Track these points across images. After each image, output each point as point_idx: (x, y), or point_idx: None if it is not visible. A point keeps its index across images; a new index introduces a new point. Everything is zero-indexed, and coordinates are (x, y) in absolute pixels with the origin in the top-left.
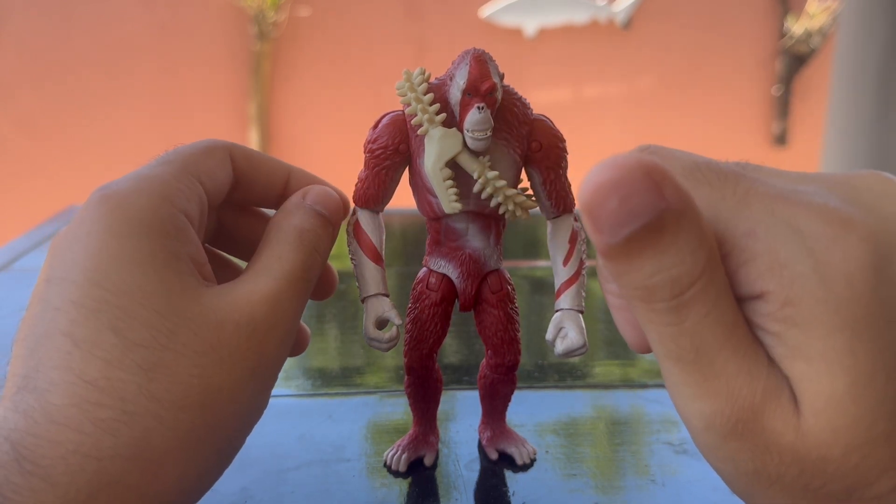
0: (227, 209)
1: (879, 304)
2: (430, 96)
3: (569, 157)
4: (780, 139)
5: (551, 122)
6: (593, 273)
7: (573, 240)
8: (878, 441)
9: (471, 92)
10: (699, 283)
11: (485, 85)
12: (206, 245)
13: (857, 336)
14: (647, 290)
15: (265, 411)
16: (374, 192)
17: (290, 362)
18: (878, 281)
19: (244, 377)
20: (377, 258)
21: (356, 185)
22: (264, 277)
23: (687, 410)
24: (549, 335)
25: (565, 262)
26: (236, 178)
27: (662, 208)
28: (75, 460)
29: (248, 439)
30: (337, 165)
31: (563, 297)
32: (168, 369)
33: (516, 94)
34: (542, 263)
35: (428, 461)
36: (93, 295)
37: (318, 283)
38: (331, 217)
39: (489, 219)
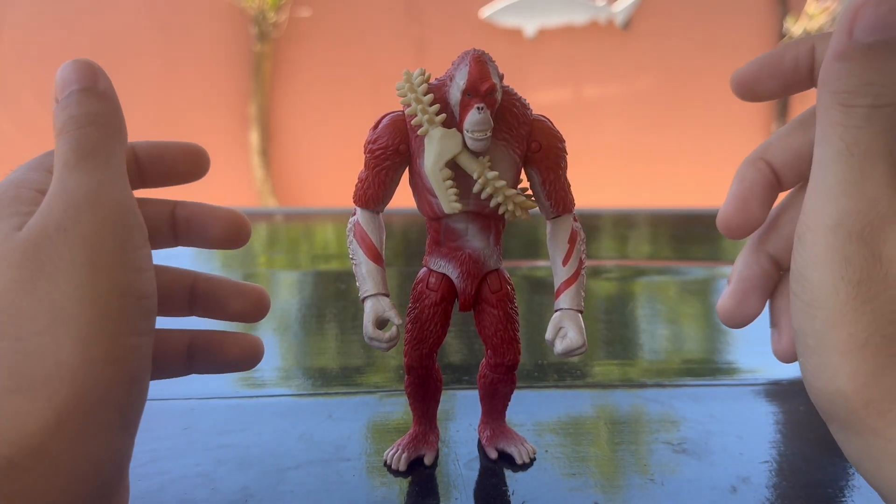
0: None
1: None
2: (430, 97)
3: (568, 158)
4: None
5: (551, 122)
6: (592, 273)
7: (573, 240)
8: None
9: (471, 92)
10: (892, 108)
11: (485, 85)
12: None
13: None
14: (853, 94)
15: (265, 410)
16: (374, 192)
17: (290, 361)
18: None
19: (83, 275)
20: (377, 258)
21: (356, 185)
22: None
23: (825, 207)
24: (548, 335)
25: (565, 261)
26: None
27: None
28: None
29: (249, 439)
30: (337, 165)
31: (562, 296)
32: (11, 308)
33: (516, 94)
34: (541, 263)
35: (428, 460)
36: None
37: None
38: (83, 84)
39: (489, 219)
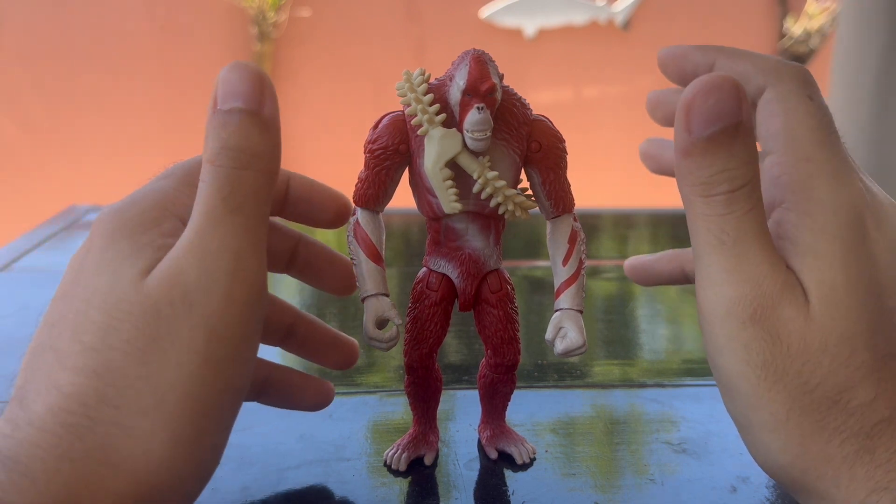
0: None
1: (866, 231)
2: (429, 97)
3: (568, 158)
4: None
5: (551, 122)
6: (592, 273)
7: (573, 240)
8: (862, 337)
9: (470, 92)
10: (749, 186)
11: (484, 85)
12: None
13: (853, 248)
14: (709, 185)
15: (265, 411)
16: (374, 192)
17: (290, 361)
18: (868, 219)
19: (195, 365)
20: (377, 258)
21: (356, 185)
22: (185, 232)
23: (713, 298)
24: (548, 335)
25: (565, 261)
26: None
27: (740, 119)
28: (52, 461)
29: (249, 439)
30: (337, 165)
31: (562, 296)
32: (117, 372)
33: (516, 94)
34: (541, 263)
35: (428, 460)
36: (67, 306)
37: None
38: (249, 105)
39: (489, 219)
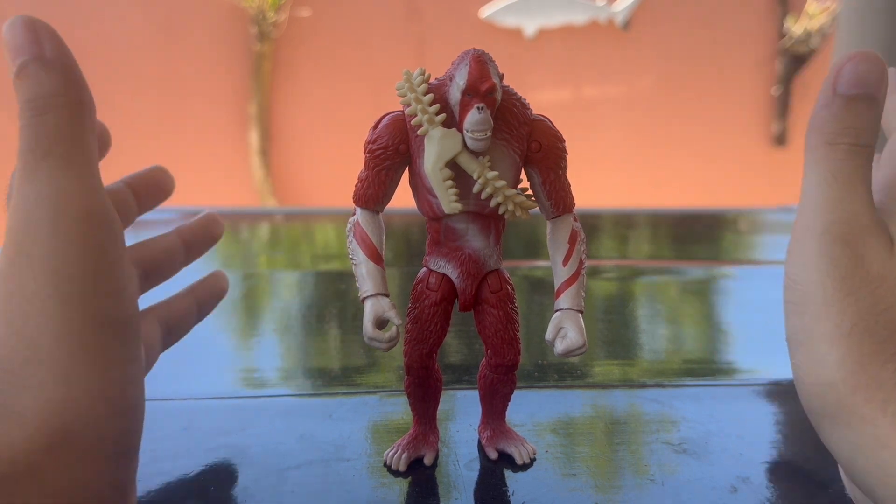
0: None
1: None
2: (429, 97)
3: (568, 158)
4: (780, 139)
5: (551, 122)
6: (592, 273)
7: (573, 240)
8: None
9: (470, 92)
10: (867, 148)
11: (484, 85)
12: None
13: None
14: (836, 135)
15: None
16: (374, 192)
17: (290, 361)
18: None
19: (53, 309)
20: (377, 258)
21: (356, 185)
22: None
23: (814, 218)
24: (548, 335)
25: (565, 262)
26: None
27: (878, 94)
28: None
29: (249, 439)
30: (337, 165)
31: (562, 297)
32: None
33: (516, 94)
34: (542, 263)
35: (428, 461)
36: None
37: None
38: (31, 53)
39: (489, 219)
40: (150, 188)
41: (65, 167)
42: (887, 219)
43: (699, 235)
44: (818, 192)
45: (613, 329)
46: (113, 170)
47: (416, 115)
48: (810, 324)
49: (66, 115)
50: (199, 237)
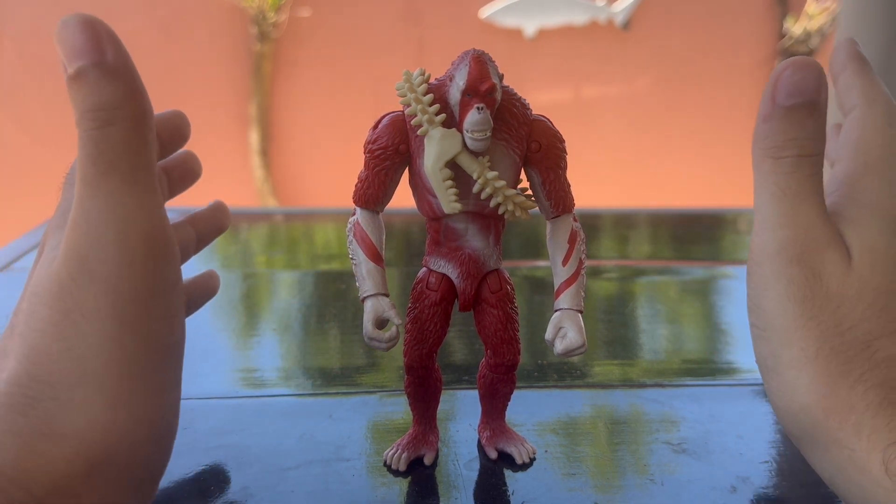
0: None
1: None
2: (429, 97)
3: (568, 158)
4: None
5: (551, 122)
6: (592, 273)
7: (573, 240)
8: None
9: (470, 92)
10: (814, 157)
11: (484, 85)
12: None
13: (894, 229)
14: (780, 148)
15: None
16: (374, 192)
17: (290, 361)
18: None
19: (109, 330)
20: (377, 258)
21: (356, 185)
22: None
23: (767, 238)
24: (548, 335)
25: (564, 261)
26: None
27: (818, 100)
28: None
29: (249, 439)
30: (337, 165)
31: (562, 296)
32: (41, 351)
33: (516, 94)
34: (542, 263)
35: (428, 460)
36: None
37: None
38: (92, 58)
39: (489, 219)
40: (210, 224)
41: (128, 185)
42: (842, 224)
43: (699, 235)
44: (769, 208)
45: (613, 329)
46: None
47: (415, 116)
48: (777, 349)
49: (129, 128)
50: (209, 226)
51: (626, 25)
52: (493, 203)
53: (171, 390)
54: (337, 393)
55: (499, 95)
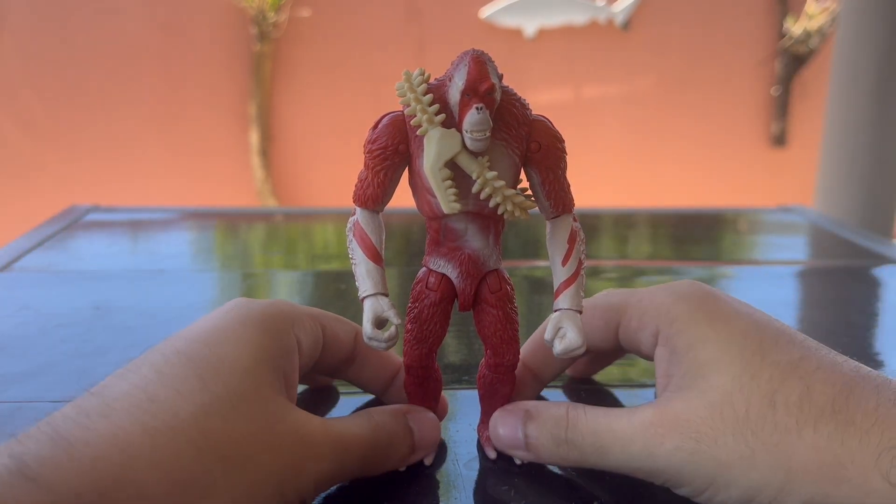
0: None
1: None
2: (429, 97)
3: (568, 158)
4: (779, 140)
5: (551, 122)
6: (592, 273)
7: (572, 240)
8: (750, 364)
9: (469, 92)
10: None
11: (483, 86)
12: None
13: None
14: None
15: None
16: (374, 191)
17: None
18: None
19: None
20: (376, 258)
21: (356, 184)
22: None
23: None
24: (547, 335)
25: (564, 261)
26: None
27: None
28: (107, 449)
29: None
30: (337, 165)
31: (561, 296)
32: (228, 429)
33: (516, 94)
34: (541, 263)
35: (428, 461)
36: (195, 348)
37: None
38: (418, 443)
39: (488, 219)
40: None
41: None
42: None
43: (699, 235)
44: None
45: None
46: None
47: (415, 116)
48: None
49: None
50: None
51: (626, 25)
52: (492, 203)
53: None
54: (337, 393)
55: (498, 95)
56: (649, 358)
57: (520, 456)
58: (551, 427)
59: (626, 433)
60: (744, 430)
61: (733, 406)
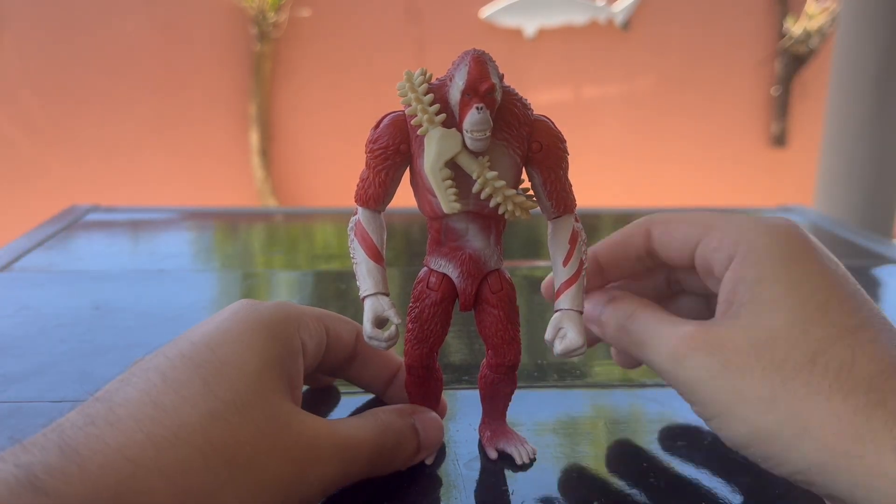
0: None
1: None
2: (430, 97)
3: (569, 158)
4: (779, 140)
5: (552, 122)
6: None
7: (573, 240)
8: (807, 320)
9: (470, 92)
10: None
11: (484, 85)
12: None
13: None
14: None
15: None
16: (375, 191)
17: None
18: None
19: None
20: (377, 257)
21: (358, 184)
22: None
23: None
24: (547, 335)
25: (565, 262)
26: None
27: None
28: (115, 459)
29: None
30: (337, 165)
31: (562, 297)
32: (234, 435)
33: (517, 94)
34: (542, 263)
35: (428, 461)
36: (200, 352)
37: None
38: (423, 442)
39: (489, 219)
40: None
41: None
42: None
43: None
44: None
45: None
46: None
47: (416, 115)
48: (752, 426)
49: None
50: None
51: (626, 25)
52: (492, 203)
53: None
54: (338, 393)
55: (498, 95)
56: (717, 279)
57: (593, 330)
58: (619, 314)
59: (665, 335)
60: (774, 375)
61: (773, 351)
